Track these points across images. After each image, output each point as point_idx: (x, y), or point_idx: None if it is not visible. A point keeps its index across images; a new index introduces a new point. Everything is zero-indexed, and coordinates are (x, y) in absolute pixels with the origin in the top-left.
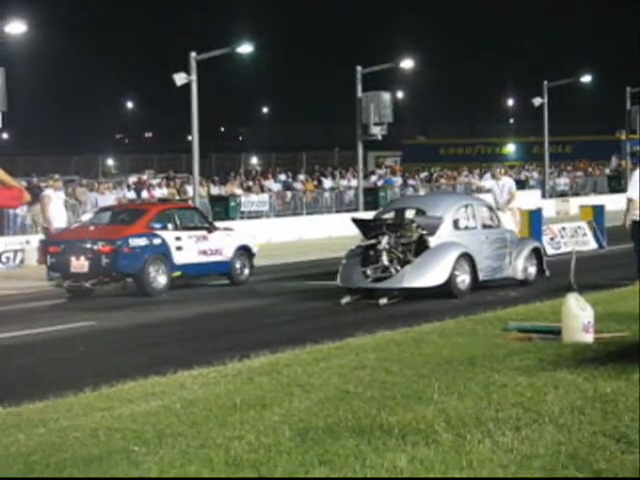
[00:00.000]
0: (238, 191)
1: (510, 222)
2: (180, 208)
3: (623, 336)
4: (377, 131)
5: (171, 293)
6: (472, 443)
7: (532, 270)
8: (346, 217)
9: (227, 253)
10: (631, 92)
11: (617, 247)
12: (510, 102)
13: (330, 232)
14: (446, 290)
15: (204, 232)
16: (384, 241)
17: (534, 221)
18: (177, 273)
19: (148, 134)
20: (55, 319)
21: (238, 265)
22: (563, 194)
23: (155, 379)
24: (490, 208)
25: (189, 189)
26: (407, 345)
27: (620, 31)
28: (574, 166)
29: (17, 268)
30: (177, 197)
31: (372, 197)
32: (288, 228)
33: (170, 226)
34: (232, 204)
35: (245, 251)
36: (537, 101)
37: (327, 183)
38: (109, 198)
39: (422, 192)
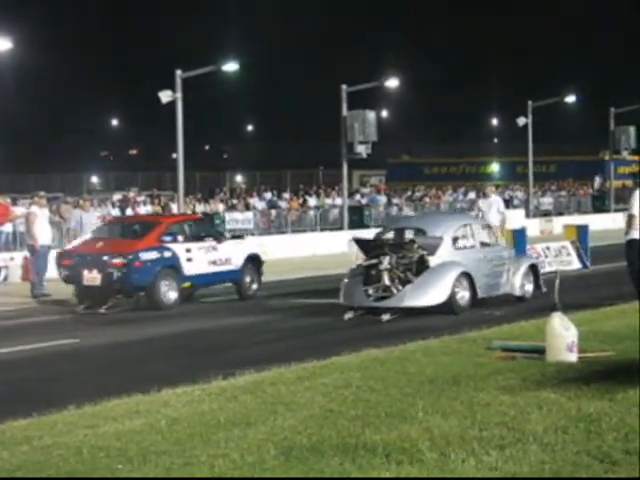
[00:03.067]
0: (222, 209)
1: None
2: (189, 220)
3: (607, 356)
4: (362, 150)
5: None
6: (456, 462)
7: (529, 287)
8: (331, 235)
9: (237, 262)
10: (615, 113)
11: (601, 267)
12: (495, 122)
13: (315, 250)
14: (446, 307)
15: (214, 242)
16: (385, 261)
17: (518, 240)
18: (187, 284)
19: (133, 151)
20: (39, 336)
21: (248, 277)
22: (547, 213)
23: (139, 397)
24: (488, 227)
25: (174, 207)
26: (392, 364)
27: (604, 52)
28: (558, 186)
29: (1, 285)
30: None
31: (357, 216)
32: (272, 246)
33: (180, 238)
34: (216, 222)
35: (254, 259)
36: (521, 121)
37: (312, 201)
38: (93, 215)
39: (408, 211)
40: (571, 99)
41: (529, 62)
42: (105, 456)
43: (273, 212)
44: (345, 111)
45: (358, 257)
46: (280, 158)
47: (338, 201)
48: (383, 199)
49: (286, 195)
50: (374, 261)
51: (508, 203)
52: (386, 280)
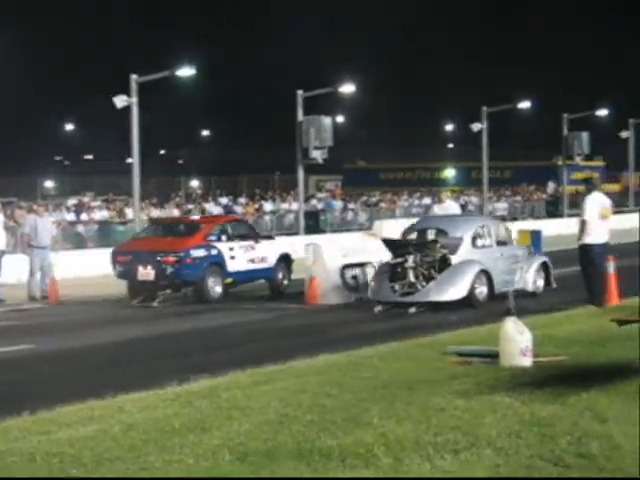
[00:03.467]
0: (177, 214)
1: None
2: (231, 221)
3: (560, 360)
4: (317, 155)
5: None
6: (411, 467)
7: (540, 283)
8: (287, 240)
9: (271, 260)
10: (568, 118)
11: (555, 272)
12: (450, 127)
13: None
14: (466, 302)
15: (252, 242)
16: (411, 259)
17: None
18: (229, 280)
19: (88, 156)
20: None
21: (280, 274)
22: (502, 219)
23: (94, 403)
24: (505, 227)
25: (128, 212)
26: (348, 369)
27: (558, 59)
28: (513, 191)
29: None
30: (118, 220)
31: (313, 220)
32: None
33: (224, 237)
34: None
35: (286, 258)
36: (476, 127)
37: (268, 206)
38: (48, 221)
39: (364, 216)
40: (525, 105)
41: (484, 68)
42: (59, 462)
43: None
44: (301, 116)
45: (316, 262)
46: (236, 163)
47: (294, 206)
48: (339, 204)
49: (242, 200)
50: (400, 260)
51: (463, 208)
52: (411, 277)
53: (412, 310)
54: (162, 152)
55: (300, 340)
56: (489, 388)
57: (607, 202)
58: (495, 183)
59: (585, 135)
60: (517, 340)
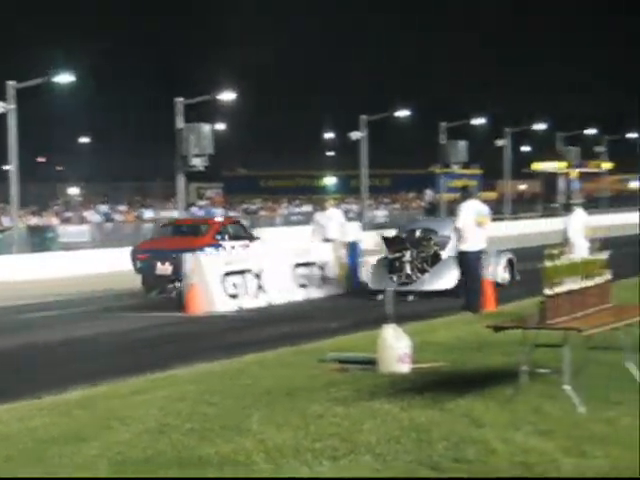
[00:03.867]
0: (56, 222)
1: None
2: (231, 223)
3: (439, 366)
4: (197, 162)
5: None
6: (290, 473)
7: (506, 275)
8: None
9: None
10: (446, 127)
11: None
12: (330, 135)
13: None
14: (454, 291)
15: (247, 241)
16: (408, 254)
17: (351, 253)
18: None
19: None
20: None
21: None
22: (381, 226)
23: None
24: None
25: (5, 220)
26: (228, 376)
27: (435, 69)
28: (392, 199)
29: None
30: None
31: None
32: (108, 259)
33: (226, 237)
34: (50, 235)
35: None
36: (355, 135)
37: (148, 214)
38: None
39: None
40: (404, 113)
41: (364, 77)
42: None
43: (109, 225)
44: (181, 123)
45: (196, 270)
46: (116, 170)
47: (175, 214)
48: (219, 212)
49: (121, 208)
50: (398, 255)
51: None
52: (408, 269)
53: (410, 298)
54: (40, 159)
55: (175, 348)
56: (368, 395)
57: (484, 209)
58: (375, 191)
59: (462, 143)
60: (395, 347)
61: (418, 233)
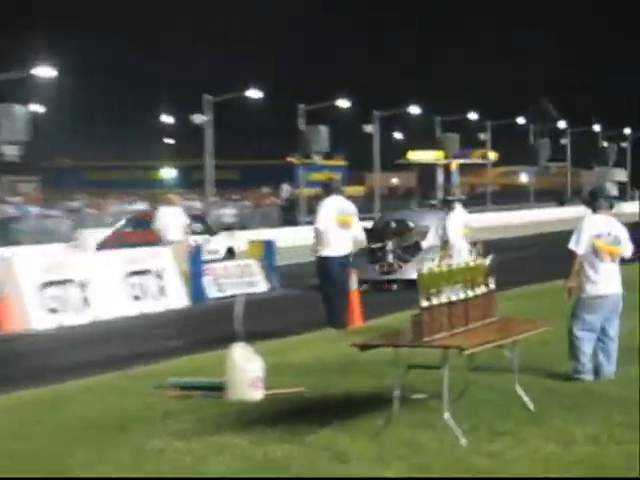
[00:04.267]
0: None
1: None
2: (195, 217)
3: (297, 392)
4: (9, 151)
5: None
6: None
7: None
8: None
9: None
10: (305, 110)
11: (291, 289)
12: (169, 119)
13: None
14: None
15: (208, 235)
16: (389, 244)
17: (193, 259)
18: None
19: None
20: None
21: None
22: (230, 227)
23: None
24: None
25: None
26: (46, 406)
27: (290, 44)
28: (241, 195)
29: None
30: None
31: (3, 231)
32: None
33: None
34: None
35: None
36: (198, 118)
37: None
38: None
39: (67, 223)
40: (255, 94)
41: (209, 52)
42: None
43: None
44: None
45: (9, 279)
46: None
47: None
48: (36, 210)
49: None
50: (380, 244)
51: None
52: (390, 259)
53: (394, 287)
54: None
55: None
56: (213, 427)
57: (349, 207)
58: (221, 185)
59: (324, 129)
60: (246, 370)
61: (396, 224)
